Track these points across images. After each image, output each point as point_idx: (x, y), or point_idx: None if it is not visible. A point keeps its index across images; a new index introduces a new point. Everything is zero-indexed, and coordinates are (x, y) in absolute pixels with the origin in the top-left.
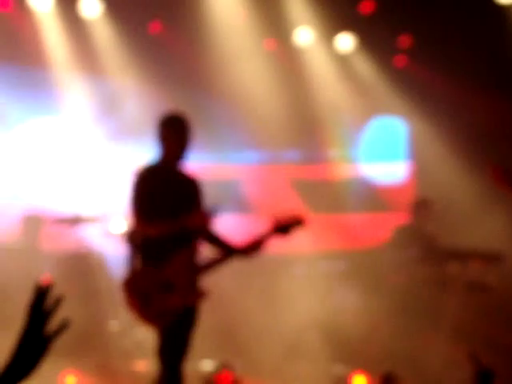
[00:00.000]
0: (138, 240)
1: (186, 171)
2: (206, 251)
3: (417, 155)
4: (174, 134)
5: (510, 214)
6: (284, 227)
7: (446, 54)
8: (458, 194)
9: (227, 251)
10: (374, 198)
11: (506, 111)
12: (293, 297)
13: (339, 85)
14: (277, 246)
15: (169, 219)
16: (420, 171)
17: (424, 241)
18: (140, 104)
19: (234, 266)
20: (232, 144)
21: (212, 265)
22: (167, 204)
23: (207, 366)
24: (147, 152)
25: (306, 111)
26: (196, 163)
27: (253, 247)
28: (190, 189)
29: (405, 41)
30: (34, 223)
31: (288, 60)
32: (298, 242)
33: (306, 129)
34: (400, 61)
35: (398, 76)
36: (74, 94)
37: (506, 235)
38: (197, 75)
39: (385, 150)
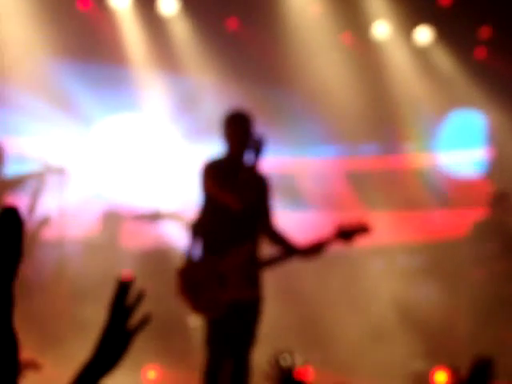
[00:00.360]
0: (200, 231)
1: (253, 167)
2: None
3: (496, 148)
4: (237, 130)
5: None
6: (348, 233)
7: None
8: None
9: (288, 251)
10: (452, 191)
11: None
12: (372, 291)
13: (417, 78)
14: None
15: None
16: (500, 164)
17: (504, 235)
18: (217, 102)
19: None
20: (310, 138)
21: (271, 262)
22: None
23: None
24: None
25: (384, 105)
26: (274, 157)
27: (314, 250)
28: (257, 185)
29: (484, 32)
30: (113, 219)
31: (365, 54)
32: (377, 236)
33: (384, 123)
34: (480, 53)
35: (477, 69)
36: (152, 91)
37: None
38: (274, 71)
39: (463, 143)
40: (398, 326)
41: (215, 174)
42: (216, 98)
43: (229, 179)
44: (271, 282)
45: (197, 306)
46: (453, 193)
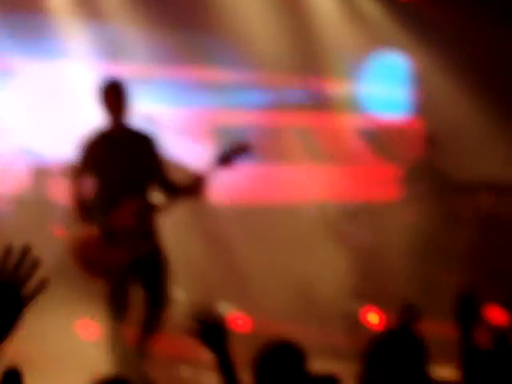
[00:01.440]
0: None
1: (136, 129)
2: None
3: (423, 90)
4: (112, 98)
5: None
6: (227, 157)
7: None
8: (466, 127)
9: (176, 191)
10: (383, 133)
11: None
12: (304, 239)
13: (343, 20)
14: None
15: (119, 178)
16: (427, 105)
17: (436, 176)
18: (143, 48)
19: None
20: (235, 85)
21: (160, 209)
22: (113, 165)
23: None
24: (152, 96)
25: (309, 49)
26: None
27: (198, 184)
28: (141, 145)
29: None
30: (42, 174)
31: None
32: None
33: (308, 67)
34: None
35: (403, 10)
36: (74, 39)
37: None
38: (199, 16)
39: (387, 84)
40: (329, 268)
41: (93, 149)
42: (141, 44)
43: (109, 149)
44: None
45: (95, 272)
46: (383, 135)
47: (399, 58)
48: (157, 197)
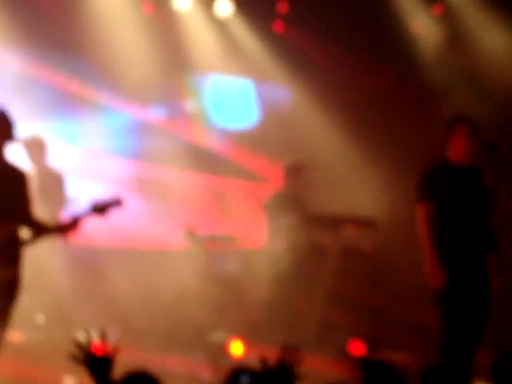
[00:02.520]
0: None
1: (10, 163)
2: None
3: (294, 121)
4: None
5: (383, 179)
6: (102, 207)
7: (322, 20)
8: (332, 160)
9: (42, 230)
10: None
11: (385, 76)
12: (170, 268)
13: (216, 48)
14: None
15: None
16: (296, 136)
17: (299, 207)
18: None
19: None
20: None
21: (31, 241)
22: None
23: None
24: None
25: (177, 72)
26: None
27: (70, 226)
28: (12, 180)
29: (282, 7)
30: None
31: (166, 24)
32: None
33: (173, 88)
34: (278, 26)
35: (276, 41)
36: None
37: (379, 201)
38: (72, 37)
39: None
40: (196, 298)
41: None
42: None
43: None
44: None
45: None
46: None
47: (249, 83)
48: (24, 231)
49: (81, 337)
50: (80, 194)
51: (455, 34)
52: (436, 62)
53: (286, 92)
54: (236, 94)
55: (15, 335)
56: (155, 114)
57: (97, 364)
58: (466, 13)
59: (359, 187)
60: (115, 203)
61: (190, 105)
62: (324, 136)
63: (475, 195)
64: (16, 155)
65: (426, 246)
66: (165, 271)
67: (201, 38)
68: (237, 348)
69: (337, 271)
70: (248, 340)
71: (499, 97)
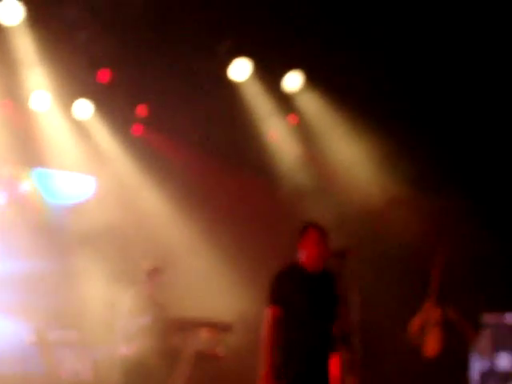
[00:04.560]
0: None
1: None
2: None
3: (156, 224)
4: None
5: (239, 283)
6: None
7: (181, 124)
8: (190, 264)
9: None
10: None
11: (241, 180)
12: None
13: (74, 149)
14: None
15: None
16: (156, 240)
17: (156, 310)
18: None
19: None
20: None
21: None
22: None
23: None
24: None
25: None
26: None
27: None
28: None
29: (141, 110)
30: None
31: (24, 123)
32: None
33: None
34: (137, 129)
35: (135, 143)
36: None
37: (235, 305)
38: None
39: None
40: None
41: None
42: None
43: None
44: None
45: None
46: None
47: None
48: None
49: None
50: None
51: (309, 143)
52: (291, 169)
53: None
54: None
55: None
56: None
57: None
58: (319, 124)
59: (216, 291)
60: None
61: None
62: (184, 240)
63: (321, 300)
64: None
65: (264, 350)
66: None
67: (56, 137)
68: None
69: (190, 375)
70: None
71: (349, 205)
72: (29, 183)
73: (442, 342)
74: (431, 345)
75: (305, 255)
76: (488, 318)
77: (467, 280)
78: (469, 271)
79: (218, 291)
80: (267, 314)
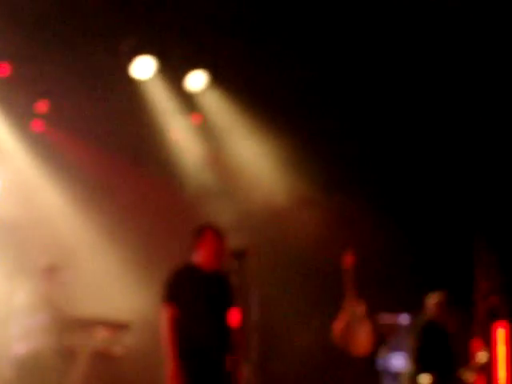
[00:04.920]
0: None
1: None
2: None
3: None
4: None
5: (139, 284)
6: None
7: (81, 121)
8: (89, 261)
9: None
10: None
11: (144, 179)
12: None
13: None
14: None
15: None
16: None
17: (51, 308)
18: None
19: None
20: None
21: None
22: None
23: None
24: None
25: None
26: None
27: None
28: None
29: (41, 106)
30: None
31: None
32: None
33: None
34: (37, 125)
35: (35, 140)
36: None
37: (134, 303)
38: None
39: None
40: None
41: None
42: None
43: None
44: None
45: None
46: None
47: None
48: None
49: None
50: None
51: (213, 142)
52: (194, 169)
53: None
54: None
55: None
56: None
57: None
58: (223, 124)
59: (116, 290)
60: None
61: None
62: (84, 239)
63: (215, 300)
64: None
65: (167, 348)
66: None
67: None
68: None
69: (87, 374)
70: None
71: (253, 205)
72: None
73: (372, 337)
74: (361, 342)
75: (201, 256)
76: (383, 319)
77: (369, 280)
78: (371, 271)
79: (118, 290)
80: (163, 311)
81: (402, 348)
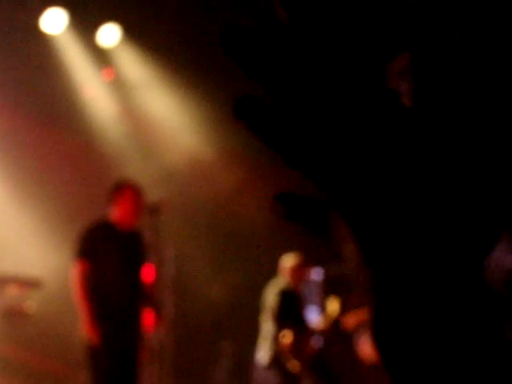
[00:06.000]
0: None
1: None
2: None
3: None
4: None
5: (53, 241)
6: None
7: None
8: (1, 219)
9: None
10: None
11: (58, 140)
12: None
13: None
14: None
15: None
16: None
17: None
18: None
19: None
20: None
21: None
22: None
23: None
24: None
25: None
26: None
27: None
28: None
29: None
30: None
31: None
32: None
33: None
34: None
35: None
36: None
37: (47, 259)
38: None
39: None
40: None
41: None
42: None
43: None
44: None
45: None
46: None
47: None
48: None
49: None
50: None
51: (126, 99)
52: (108, 126)
53: None
54: None
55: None
56: None
57: None
58: (136, 80)
59: (28, 247)
60: None
61: None
62: None
63: (129, 257)
64: None
65: (81, 303)
66: None
67: None
68: None
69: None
70: None
71: (168, 162)
72: None
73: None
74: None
75: (117, 213)
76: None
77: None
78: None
79: (31, 247)
80: (75, 268)
81: (316, 302)
